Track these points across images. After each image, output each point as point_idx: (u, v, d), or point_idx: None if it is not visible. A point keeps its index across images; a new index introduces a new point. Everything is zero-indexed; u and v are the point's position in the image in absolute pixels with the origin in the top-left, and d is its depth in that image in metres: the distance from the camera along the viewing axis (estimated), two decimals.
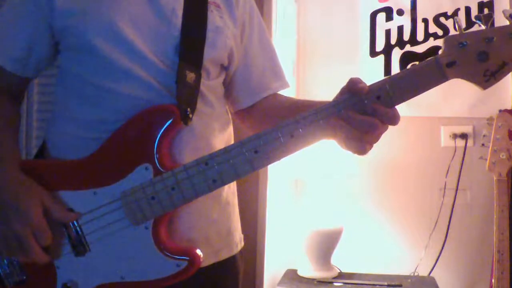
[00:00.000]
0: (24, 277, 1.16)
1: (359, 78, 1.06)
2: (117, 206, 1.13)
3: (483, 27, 1.03)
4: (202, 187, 1.10)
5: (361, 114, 1.03)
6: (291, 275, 2.54)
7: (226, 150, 1.09)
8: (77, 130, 1.19)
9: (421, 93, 1.04)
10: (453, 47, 1.03)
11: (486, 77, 1.03)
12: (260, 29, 1.40)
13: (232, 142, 1.34)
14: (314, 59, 2.94)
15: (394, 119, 1.03)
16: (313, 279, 2.45)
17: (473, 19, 1.03)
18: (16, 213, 1.09)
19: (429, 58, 1.04)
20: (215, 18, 1.26)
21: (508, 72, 1.02)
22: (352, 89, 1.05)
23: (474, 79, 1.04)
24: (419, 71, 1.04)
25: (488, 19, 1.02)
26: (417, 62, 2.19)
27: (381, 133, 1.05)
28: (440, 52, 1.05)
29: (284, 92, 1.44)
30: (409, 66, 2.31)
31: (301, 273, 2.54)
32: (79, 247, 1.14)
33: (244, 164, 1.09)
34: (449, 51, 1.03)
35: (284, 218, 2.62)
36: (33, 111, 2.31)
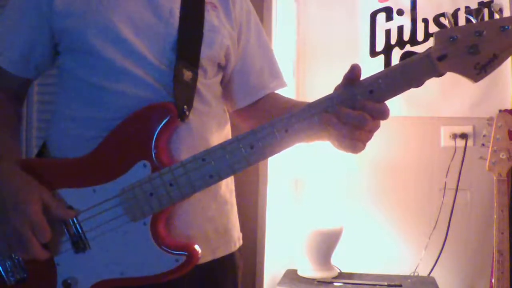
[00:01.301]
0: (25, 275, 1.16)
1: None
2: (116, 203, 1.14)
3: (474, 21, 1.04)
4: (199, 183, 1.11)
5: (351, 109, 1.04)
6: (291, 275, 2.54)
7: (222, 146, 1.11)
8: (77, 129, 1.21)
9: (414, 87, 1.05)
10: (444, 41, 1.04)
11: (477, 70, 1.03)
12: (257, 30, 1.42)
13: None
14: (314, 59, 2.94)
15: (383, 113, 1.03)
16: (313, 279, 2.46)
17: (464, 14, 1.04)
18: (16, 210, 1.09)
19: (421, 52, 1.05)
20: (212, 18, 1.28)
21: (499, 65, 1.03)
22: (348, 75, 1.06)
23: (465, 72, 1.04)
24: (411, 65, 1.05)
25: (478, 13, 1.03)
26: None
27: (372, 130, 1.05)
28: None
29: (284, 91, 1.45)
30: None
31: (301, 273, 2.54)
32: (79, 244, 1.15)
33: (240, 160, 1.10)
34: (440, 45, 1.04)
35: (284, 218, 2.63)
36: (33, 111, 2.32)
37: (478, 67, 1.03)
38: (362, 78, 1.07)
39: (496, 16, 1.04)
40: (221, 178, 1.12)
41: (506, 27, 1.02)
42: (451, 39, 1.03)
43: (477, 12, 1.04)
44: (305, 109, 1.07)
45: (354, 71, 1.05)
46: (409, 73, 1.04)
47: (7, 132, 1.26)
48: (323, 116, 1.05)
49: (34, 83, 2.28)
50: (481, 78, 1.04)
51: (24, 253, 1.11)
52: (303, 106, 1.08)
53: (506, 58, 1.03)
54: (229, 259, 1.32)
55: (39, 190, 1.13)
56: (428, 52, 1.04)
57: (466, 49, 1.03)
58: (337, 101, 1.06)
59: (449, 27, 1.05)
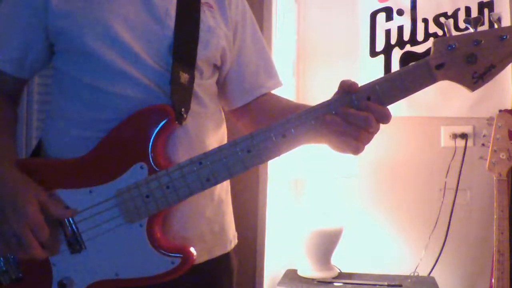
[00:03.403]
0: (20, 275, 1.16)
1: (349, 79, 1.08)
2: (112, 204, 1.14)
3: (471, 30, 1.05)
4: (196, 186, 1.11)
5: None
6: (291, 275, 2.54)
7: (220, 149, 1.11)
8: (72, 129, 1.20)
9: (410, 94, 1.06)
10: (442, 50, 1.05)
11: (475, 79, 1.04)
12: (253, 29, 1.41)
13: (226, 141, 1.35)
14: (314, 59, 2.95)
15: (385, 117, 1.05)
16: (313, 279, 2.45)
17: (463, 22, 1.05)
18: (13, 210, 1.09)
19: (419, 60, 1.06)
20: (208, 18, 1.28)
21: (496, 74, 1.04)
22: (343, 85, 1.07)
23: (463, 81, 1.06)
24: (409, 73, 1.06)
25: (476, 22, 1.04)
26: None
27: (374, 132, 1.06)
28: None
29: (284, 91, 1.45)
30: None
31: (301, 273, 2.54)
32: (75, 244, 1.15)
33: (237, 163, 1.10)
34: (438, 53, 1.05)
35: (284, 218, 2.63)
36: (33, 111, 2.31)
37: (476, 76, 1.04)
38: (363, 79, 1.08)
39: (495, 25, 1.04)
40: (218, 181, 1.12)
41: (504, 36, 1.02)
42: (449, 48, 1.04)
43: (476, 21, 1.04)
44: (303, 114, 1.08)
45: (352, 86, 1.06)
46: (406, 81, 1.05)
47: (4, 133, 1.25)
48: (327, 117, 1.06)
49: (34, 83, 2.29)
50: (478, 87, 1.05)
51: (23, 253, 1.10)
52: (301, 111, 1.09)
53: (504, 67, 1.04)
54: (225, 258, 1.32)
55: (36, 191, 1.13)
56: (426, 61, 1.05)
57: (464, 58, 1.04)
58: (335, 107, 1.07)
59: (447, 34, 1.05)
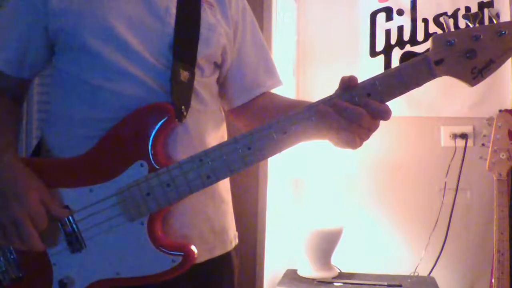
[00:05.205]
0: (21, 274, 1.16)
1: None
2: (113, 203, 1.14)
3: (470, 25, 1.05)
4: (196, 183, 1.11)
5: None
6: (291, 275, 2.54)
7: (220, 146, 1.11)
8: (72, 128, 1.20)
9: (410, 90, 1.06)
10: (441, 45, 1.05)
11: (474, 74, 1.04)
12: (253, 28, 1.41)
13: (226, 139, 1.34)
14: (314, 59, 2.95)
15: (385, 114, 1.04)
16: (313, 279, 2.46)
17: (462, 19, 1.06)
18: (14, 197, 1.10)
19: (418, 56, 1.06)
20: (208, 16, 1.27)
21: (495, 70, 1.04)
22: (343, 81, 1.07)
23: (462, 76, 1.05)
24: (408, 69, 1.05)
25: (475, 18, 1.04)
26: None
27: (371, 129, 1.06)
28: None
29: (284, 91, 1.44)
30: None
31: (301, 273, 2.54)
32: (75, 243, 1.15)
33: (237, 161, 1.10)
34: (437, 49, 1.05)
35: (284, 218, 2.62)
36: (33, 111, 2.31)
37: (475, 71, 1.04)
38: (361, 79, 1.07)
39: (494, 21, 1.04)
40: (218, 179, 1.12)
41: (503, 32, 1.02)
42: (448, 43, 1.04)
43: (475, 17, 1.04)
44: (303, 111, 1.08)
45: (351, 80, 1.06)
46: (406, 77, 1.05)
47: (7, 128, 1.25)
48: (321, 107, 1.06)
49: (34, 83, 2.28)
50: (478, 82, 1.05)
51: (21, 242, 1.10)
52: (301, 108, 1.08)
53: (503, 62, 1.04)
54: (226, 258, 1.32)
55: (38, 184, 1.14)
56: (425, 56, 1.05)
57: (463, 54, 1.04)
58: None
59: (446, 30, 1.05)
